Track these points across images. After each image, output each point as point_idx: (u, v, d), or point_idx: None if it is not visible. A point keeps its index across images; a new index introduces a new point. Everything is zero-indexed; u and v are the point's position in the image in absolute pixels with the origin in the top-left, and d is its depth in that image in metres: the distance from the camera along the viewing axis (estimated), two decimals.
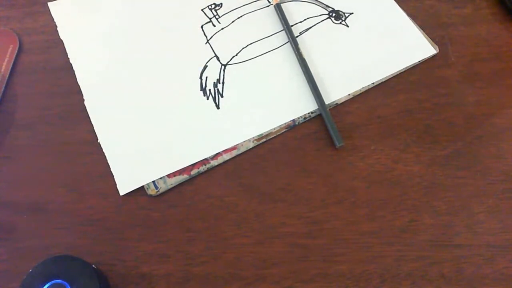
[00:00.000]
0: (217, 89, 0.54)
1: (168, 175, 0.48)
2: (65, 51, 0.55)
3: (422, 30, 0.58)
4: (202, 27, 0.58)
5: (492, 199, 0.49)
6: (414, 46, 0.57)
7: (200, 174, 0.49)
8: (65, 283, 0.37)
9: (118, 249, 0.45)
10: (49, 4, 0.58)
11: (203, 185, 0.49)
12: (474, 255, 0.46)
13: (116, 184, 0.48)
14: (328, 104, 0.53)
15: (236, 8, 0.60)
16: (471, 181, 0.50)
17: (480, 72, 0.56)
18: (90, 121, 0.51)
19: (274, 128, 0.51)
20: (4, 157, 0.49)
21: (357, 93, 0.54)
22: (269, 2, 0.60)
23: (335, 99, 0.53)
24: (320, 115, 0.52)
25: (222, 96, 0.53)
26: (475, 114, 0.53)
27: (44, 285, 0.37)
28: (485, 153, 0.51)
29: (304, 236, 0.46)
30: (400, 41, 0.57)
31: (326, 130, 0.52)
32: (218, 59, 0.56)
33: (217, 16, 0.59)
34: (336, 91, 0.54)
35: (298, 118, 0.52)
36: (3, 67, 0.54)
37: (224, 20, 0.59)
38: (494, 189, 0.49)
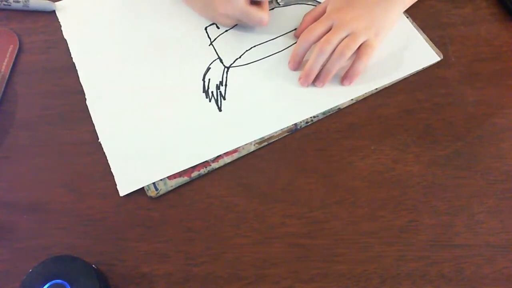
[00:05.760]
0: (220, 92, 0.53)
1: (169, 177, 0.48)
2: (66, 51, 0.55)
3: (426, 36, 0.58)
4: (206, 28, 0.58)
5: (492, 199, 0.49)
6: (418, 53, 0.57)
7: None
8: (65, 283, 0.37)
9: (118, 249, 0.45)
10: (55, 3, 0.58)
11: (203, 185, 0.49)
12: (474, 255, 0.46)
13: (116, 185, 0.48)
14: (331, 108, 0.53)
15: None
16: (471, 181, 0.50)
17: (480, 72, 0.56)
18: (90, 121, 0.51)
19: (276, 132, 0.51)
20: (4, 157, 0.49)
21: (360, 98, 0.54)
22: (274, 5, 0.60)
23: (338, 104, 0.53)
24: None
25: (224, 99, 0.53)
26: (475, 114, 0.53)
27: (44, 285, 0.37)
28: (485, 153, 0.51)
29: (304, 236, 0.46)
30: (405, 48, 0.57)
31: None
32: (221, 61, 0.56)
33: None
34: (339, 96, 0.53)
35: (300, 122, 0.52)
36: (3, 67, 0.54)
37: None
38: (494, 189, 0.49)
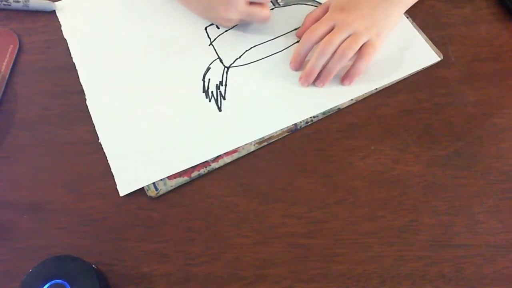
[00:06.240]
0: (220, 91, 0.53)
1: (169, 177, 0.48)
2: (66, 51, 0.55)
3: (426, 36, 0.58)
4: (206, 28, 0.58)
5: (492, 199, 0.49)
6: (418, 54, 0.57)
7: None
8: (65, 283, 0.37)
9: (118, 249, 0.45)
10: (55, 3, 0.58)
11: (203, 185, 0.49)
12: (474, 255, 0.46)
13: (116, 185, 0.48)
14: (331, 108, 0.53)
15: None
16: (471, 181, 0.50)
17: (480, 72, 0.56)
18: (90, 121, 0.51)
19: (276, 132, 0.51)
20: (4, 157, 0.49)
21: (360, 98, 0.54)
22: (274, 5, 0.60)
23: (338, 104, 0.53)
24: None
25: (224, 99, 0.53)
26: (475, 114, 0.53)
27: (44, 285, 0.37)
28: (485, 153, 0.51)
29: (304, 236, 0.46)
30: (405, 48, 0.57)
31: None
32: (221, 61, 0.56)
33: None
34: (339, 96, 0.53)
35: (300, 122, 0.52)
36: (3, 67, 0.54)
37: None
38: (494, 189, 0.49)
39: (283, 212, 0.47)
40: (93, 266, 0.40)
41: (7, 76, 0.53)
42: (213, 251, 0.45)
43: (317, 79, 0.53)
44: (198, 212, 0.47)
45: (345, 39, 0.51)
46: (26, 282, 0.37)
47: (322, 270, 0.45)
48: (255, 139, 0.51)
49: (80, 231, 0.46)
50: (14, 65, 0.55)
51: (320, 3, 0.60)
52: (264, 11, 0.54)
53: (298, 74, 0.54)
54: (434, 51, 0.57)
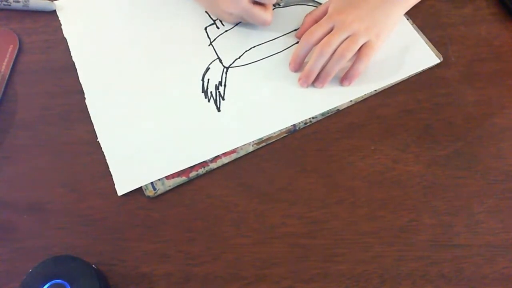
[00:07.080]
0: (219, 92, 0.53)
1: (167, 177, 0.48)
2: (66, 51, 0.55)
3: (426, 38, 0.58)
4: (206, 29, 0.58)
5: (492, 199, 0.49)
6: (418, 55, 0.56)
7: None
8: (65, 283, 0.37)
9: (118, 249, 0.45)
10: (55, 2, 0.58)
11: (203, 185, 0.49)
12: (474, 255, 0.46)
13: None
14: (329, 110, 0.53)
15: None
16: (471, 181, 0.50)
17: (480, 72, 0.56)
18: (90, 121, 0.51)
19: (275, 133, 0.51)
20: (4, 157, 0.49)
21: (359, 100, 0.54)
22: (274, 6, 0.60)
23: (337, 105, 0.53)
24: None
25: (223, 99, 0.53)
26: (475, 114, 0.53)
27: (44, 285, 0.37)
28: (485, 153, 0.51)
29: (304, 236, 0.46)
30: (405, 50, 0.57)
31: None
32: (220, 61, 0.56)
33: None
34: (338, 97, 0.53)
35: (299, 123, 0.52)
36: (3, 67, 0.54)
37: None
38: (494, 189, 0.49)
39: (283, 212, 0.47)
40: (93, 266, 0.40)
41: (7, 76, 0.53)
42: (213, 251, 0.45)
43: (316, 80, 0.53)
44: (198, 212, 0.47)
45: (344, 40, 0.51)
46: (26, 282, 0.37)
47: (322, 270, 0.45)
48: (254, 139, 0.51)
49: (80, 231, 0.46)
50: (14, 65, 0.55)
51: (320, 4, 0.60)
52: (265, 14, 0.54)
53: (297, 75, 0.54)
54: (434, 53, 0.57)
